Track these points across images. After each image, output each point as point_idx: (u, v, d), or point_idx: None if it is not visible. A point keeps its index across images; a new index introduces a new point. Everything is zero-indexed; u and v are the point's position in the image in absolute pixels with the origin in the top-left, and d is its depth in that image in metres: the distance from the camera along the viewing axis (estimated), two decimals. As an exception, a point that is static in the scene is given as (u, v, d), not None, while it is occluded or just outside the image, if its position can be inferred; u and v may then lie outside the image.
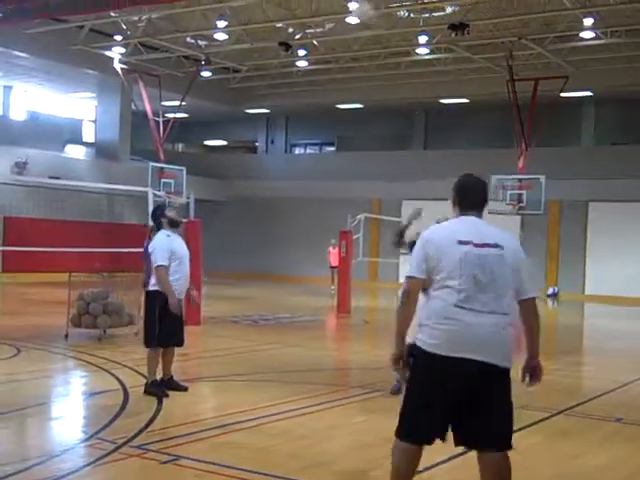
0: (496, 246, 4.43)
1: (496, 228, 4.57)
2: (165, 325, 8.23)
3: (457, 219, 4.60)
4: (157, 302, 8.22)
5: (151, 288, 8.35)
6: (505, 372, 4.35)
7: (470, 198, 4.61)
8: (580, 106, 32.08)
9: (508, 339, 4.36)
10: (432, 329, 4.34)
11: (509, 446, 4.35)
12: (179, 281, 8.30)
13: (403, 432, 4.41)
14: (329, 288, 24.73)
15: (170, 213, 8.60)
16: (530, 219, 28.04)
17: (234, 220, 35.26)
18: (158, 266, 8.15)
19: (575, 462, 6.34)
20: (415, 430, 4.36)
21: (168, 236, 8.36)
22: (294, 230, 33.98)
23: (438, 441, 4.36)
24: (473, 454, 4.37)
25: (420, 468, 4.55)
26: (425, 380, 4.37)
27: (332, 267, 24.27)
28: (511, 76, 26.69)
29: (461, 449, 4.53)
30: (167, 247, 8.24)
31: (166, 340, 8.36)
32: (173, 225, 8.52)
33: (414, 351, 4.40)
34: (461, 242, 4.40)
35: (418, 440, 4.39)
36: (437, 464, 5.72)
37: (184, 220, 8.57)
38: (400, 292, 4.53)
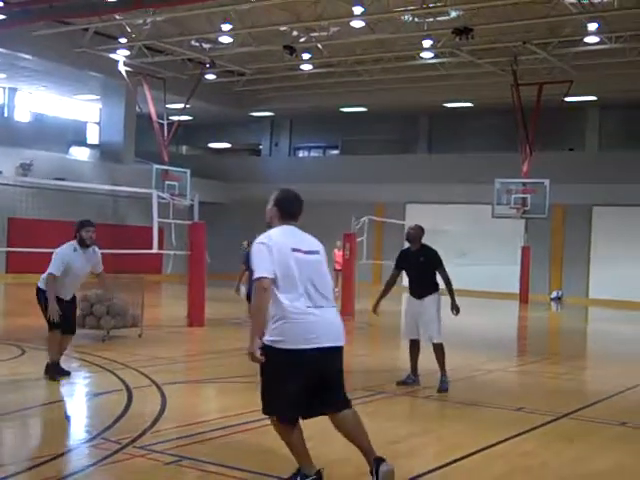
0: (317, 252, 5.25)
1: (310, 236, 5.29)
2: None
3: (282, 228, 5.21)
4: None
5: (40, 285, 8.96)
6: (342, 348, 5.22)
7: (291, 210, 5.29)
8: (584, 111, 32.09)
9: (342, 323, 5.26)
10: (285, 329, 4.96)
11: (350, 403, 5.24)
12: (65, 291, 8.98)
13: (281, 414, 5.10)
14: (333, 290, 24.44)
15: (85, 233, 9.10)
16: (534, 223, 28.10)
17: (238, 223, 35.24)
18: (49, 273, 8.81)
19: (579, 466, 6.33)
20: (289, 411, 5.07)
21: (75, 250, 9.01)
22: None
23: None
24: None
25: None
26: (286, 373, 4.97)
27: (336, 270, 23.35)
28: (515, 80, 26.76)
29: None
30: (66, 260, 8.90)
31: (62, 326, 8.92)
32: (81, 244, 9.08)
33: (267, 350, 4.96)
34: (294, 250, 5.09)
35: (294, 418, 5.13)
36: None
37: (94, 245, 9.30)
38: (254, 292, 5.00)
